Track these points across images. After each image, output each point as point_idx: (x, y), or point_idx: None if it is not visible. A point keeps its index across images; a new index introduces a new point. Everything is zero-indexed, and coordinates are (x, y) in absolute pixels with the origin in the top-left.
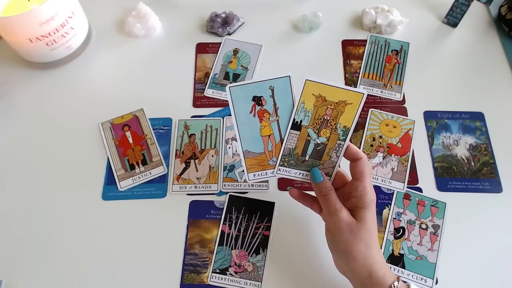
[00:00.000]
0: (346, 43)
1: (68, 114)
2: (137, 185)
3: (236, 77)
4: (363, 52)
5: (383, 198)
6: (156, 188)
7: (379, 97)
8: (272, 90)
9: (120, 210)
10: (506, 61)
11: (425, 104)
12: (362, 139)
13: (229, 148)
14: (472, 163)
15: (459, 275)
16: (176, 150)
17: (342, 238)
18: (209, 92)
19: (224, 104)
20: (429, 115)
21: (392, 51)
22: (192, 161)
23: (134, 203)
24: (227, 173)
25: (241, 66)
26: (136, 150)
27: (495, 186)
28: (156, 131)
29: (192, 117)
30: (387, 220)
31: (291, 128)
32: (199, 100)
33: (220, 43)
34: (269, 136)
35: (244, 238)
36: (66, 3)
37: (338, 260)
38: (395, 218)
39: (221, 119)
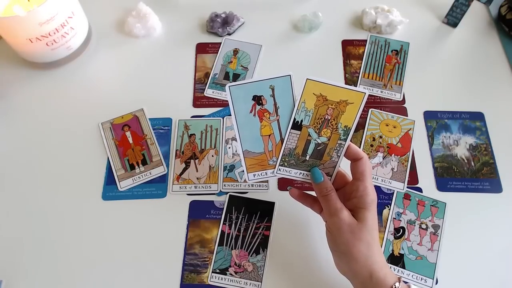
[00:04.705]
0: (346, 43)
1: (68, 114)
2: (137, 185)
3: (236, 77)
4: (363, 52)
5: (383, 198)
6: (156, 188)
7: (379, 97)
8: (273, 90)
9: (120, 210)
10: (506, 61)
11: (425, 104)
12: (362, 139)
13: (229, 148)
14: (472, 163)
15: (459, 275)
16: (176, 150)
17: (343, 238)
18: (209, 92)
19: (224, 104)
20: (429, 115)
21: (392, 51)
22: (192, 161)
23: (134, 203)
24: (227, 173)
25: (241, 66)
26: (136, 150)
27: (495, 186)
28: (156, 131)
29: (192, 117)
30: (387, 220)
31: (291, 128)
32: (199, 100)
33: (220, 43)
34: (269, 135)
35: (244, 238)
36: (66, 3)
37: (338, 260)
38: (395, 218)
39: (221, 119)
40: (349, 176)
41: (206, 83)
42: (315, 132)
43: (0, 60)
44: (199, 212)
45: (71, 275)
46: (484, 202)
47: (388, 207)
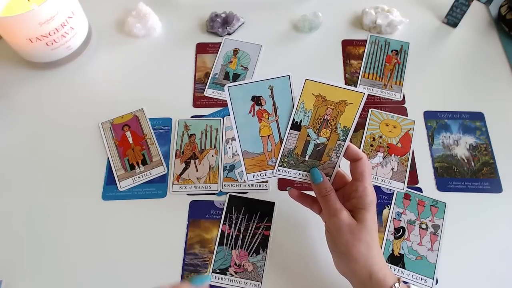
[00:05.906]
0: (346, 43)
1: (68, 114)
2: (137, 185)
3: (236, 77)
4: (363, 52)
5: (383, 198)
6: (156, 188)
7: (379, 97)
8: (272, 90)
9: (120, 210)
10: (506, 61)
11: (425, 104)
12: (362, 139)
13: (229, 148)
14: (472, 163)
15: (459, 275)
16: (176, 150)
17: (342, 239)
18: (209, 92)
19: (224, 104)
20: (429, 115)
21: (392, 51)
22: (192, 161)
23: (134, 203)
24: (227, 173)
25: (241, 66)
26: (136, 150)
27: (495, 186)
28: (156, 131)
29: (192, 117)
30: (387, 220)
31: (290, 128)
32: (199, 100)
33: (220, 43)
34: (268, 136)
35: (244, 238)
36: (66, 3)
37: (338, 261)
38: (395, 218)
39: (221, 119)
40: (349, 177)
41: (206, 83)
42: (314, 132)
43: (0, 60)
44: (199, 212)
45: (71, 275)
46: (484, 202)
47: (388, 207)
